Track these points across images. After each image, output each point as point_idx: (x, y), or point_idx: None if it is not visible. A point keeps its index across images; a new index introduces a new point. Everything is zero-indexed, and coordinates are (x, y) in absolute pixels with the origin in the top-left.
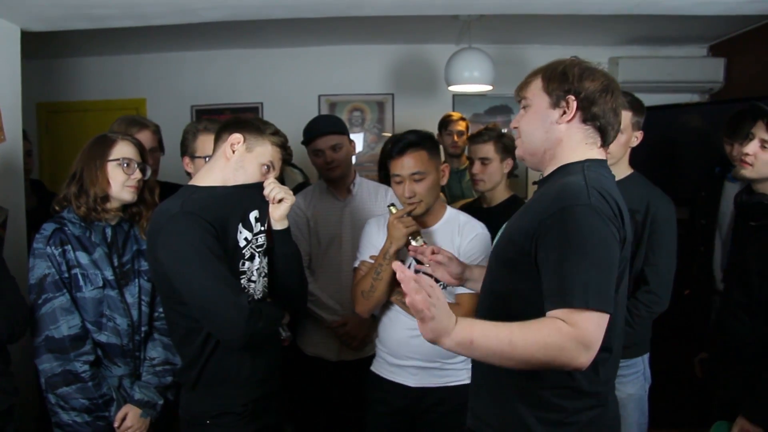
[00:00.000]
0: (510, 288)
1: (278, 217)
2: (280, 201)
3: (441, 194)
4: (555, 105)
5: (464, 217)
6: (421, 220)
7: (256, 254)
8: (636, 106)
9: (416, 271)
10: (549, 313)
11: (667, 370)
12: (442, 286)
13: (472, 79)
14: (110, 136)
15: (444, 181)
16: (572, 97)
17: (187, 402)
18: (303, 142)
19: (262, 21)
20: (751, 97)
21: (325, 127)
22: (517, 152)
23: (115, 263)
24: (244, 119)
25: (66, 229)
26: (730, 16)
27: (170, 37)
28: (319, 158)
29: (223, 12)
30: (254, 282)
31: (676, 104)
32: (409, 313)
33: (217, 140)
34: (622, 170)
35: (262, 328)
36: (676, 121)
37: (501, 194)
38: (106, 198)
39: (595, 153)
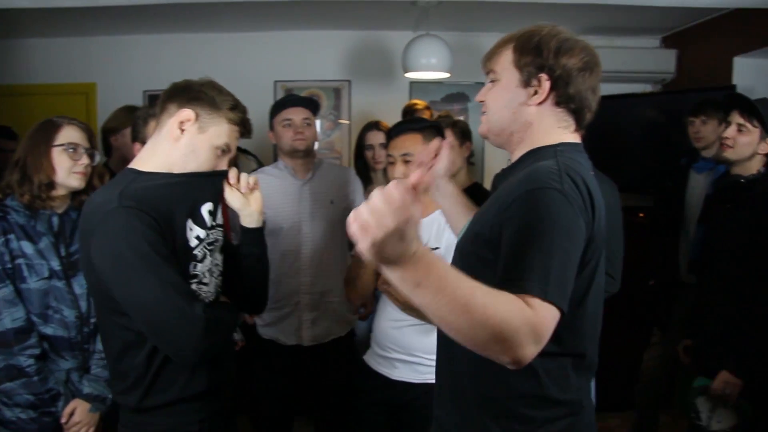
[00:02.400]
0: None
1: (260, 208)
2: (252, 189)
3: None
4: (526, 83)
5: None
6: None
7: (208, 252)
8: None
9: None
10: None
11: (618, 355)
12: None
13: (430, 66)
14: (56, 120)
15: None
16: (545, 76)
17: (128, 421)
18: (271, 113)
19: (217, 4)
20: (701, 88)
21: (300, 99)
22: (481, 129)
23: (62, 253)
24: (195, 88)
25: (9, 217)
26: (683, 9)
27: (122, 20)
28: (287, 129)
29: None
30: (206, 284)
31: (630, 94)
32: (394, 303)
33: (163, 111)
34: None
35: (219, 339)
36: (630, 111)
37: (462, 181)
38: (52, 185)
39: (570, 137)
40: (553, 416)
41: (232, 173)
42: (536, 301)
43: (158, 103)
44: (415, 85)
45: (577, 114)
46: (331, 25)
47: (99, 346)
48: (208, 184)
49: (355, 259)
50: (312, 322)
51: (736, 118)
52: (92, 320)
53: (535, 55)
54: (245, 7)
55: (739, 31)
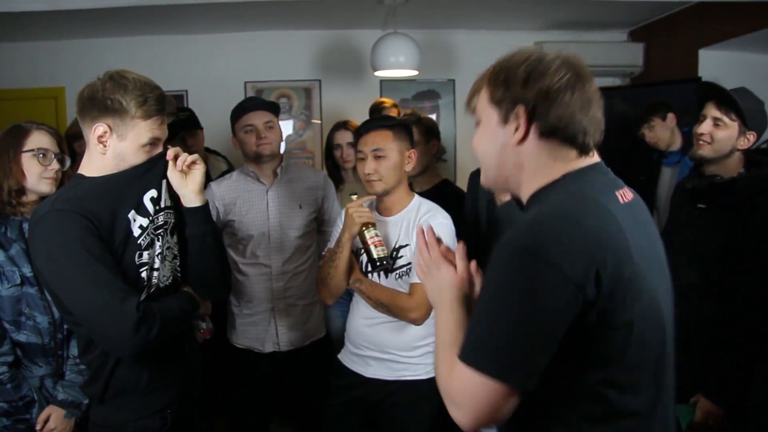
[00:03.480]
0: None
1: (197, 188)
2: (190, 167)
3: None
4: (505, 120)
5: (427, 206)
6: (384, 208)
7: (156, 238)
8: None
9: (367, 267)
10: None
11: None
12: (398, 276)
13: (398, 65)
14: (24, 125)
15: (409, 168)
16: (522, 109)
17: (96, 416)
18: (232, 118)
19: (186, 6)
20: (668, 81)
21: (260, 103)
22: (482, 180)
23: None
24: (99, 97)
25: None
26: (649, 2)
27: (92, 23)
28: (249, 134)
29: None
30: (158, 269)
31: (599, 87)
32: (365, 300)
33: (82, 125)
34: None
35: (157, 333)
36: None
37: (431, 179)
38: (22, 191)
39: (574, 164)
40: None
41: (170, 152)
42: (459, 366)
43: (77, 114)
44: (385, 83)
45: (571, 141)
46: (300, 25)
47: (73, 351)
48: (149, 173)
49: (326, 258)
50: (288, 327)
51: (712, 111)
52: (65, 326)
53: (506, 87)
54: (214, 9)
55: (703, 23)
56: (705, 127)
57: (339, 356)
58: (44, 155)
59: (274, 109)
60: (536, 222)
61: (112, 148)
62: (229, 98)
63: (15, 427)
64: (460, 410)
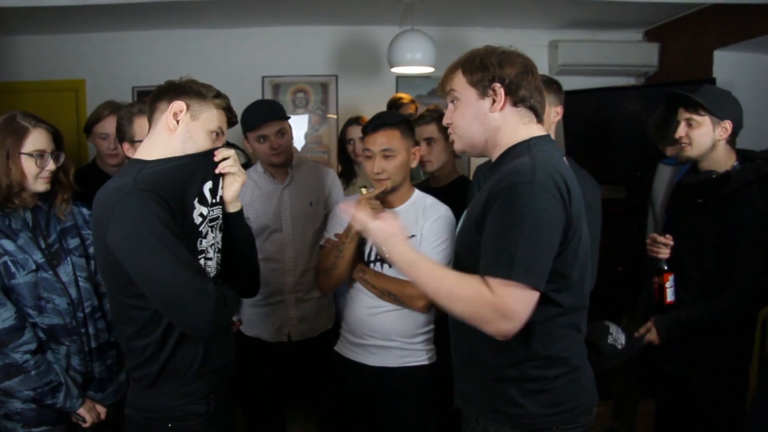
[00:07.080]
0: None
1: (231, 197)
2: (225, 175)
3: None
4: (483, 95)
5: (430, 199)
6: (387, 200)
7: (210, 230)
8: (552, 86)
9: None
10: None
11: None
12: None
13: (414, 61)
14: (22, 123)
15: (414, 164)
16: (498, 85)
17: (140, 401)
18: (244, 127)
19: (205, 1)
20: (682, 81)
21: (270, 113)
22: (456, 146)
23: (42, 245)
24: (180, 84)
25: None
26: (664, 3)
27: (112, 17)
28: (263, 144)
29: None
30: (211, 259)
31: (613, 87)
32: (369, 291)
33: (154, 111)
34: None
35: (227, 315)
36: (614, 104)
37: (449, 174)
38: (22, 188)
39: (536, 130)
40: (560, 372)
41: (219, 154)
42: (501, 284)
43: (148, 105)
44: (401, 79)
45: (533, 110)
46: (317, 21)
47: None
48: (208, 164)
49: (328, 248)
50: (299, 319)
51: (683, 114)
52: (86, 304)
53: (483, 71)
54: (233, 4)
55: (719, 25)
56: (681, 130)
57: (336, 348)
58: (42, 156)
59: (284, 114)
60: (531, 165)
61: (183, 126)
62: (247, 93)
63: (42, 412)
64: (510, 322)
